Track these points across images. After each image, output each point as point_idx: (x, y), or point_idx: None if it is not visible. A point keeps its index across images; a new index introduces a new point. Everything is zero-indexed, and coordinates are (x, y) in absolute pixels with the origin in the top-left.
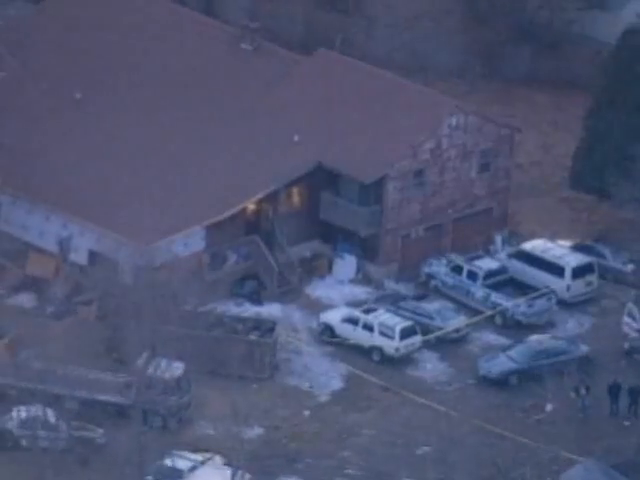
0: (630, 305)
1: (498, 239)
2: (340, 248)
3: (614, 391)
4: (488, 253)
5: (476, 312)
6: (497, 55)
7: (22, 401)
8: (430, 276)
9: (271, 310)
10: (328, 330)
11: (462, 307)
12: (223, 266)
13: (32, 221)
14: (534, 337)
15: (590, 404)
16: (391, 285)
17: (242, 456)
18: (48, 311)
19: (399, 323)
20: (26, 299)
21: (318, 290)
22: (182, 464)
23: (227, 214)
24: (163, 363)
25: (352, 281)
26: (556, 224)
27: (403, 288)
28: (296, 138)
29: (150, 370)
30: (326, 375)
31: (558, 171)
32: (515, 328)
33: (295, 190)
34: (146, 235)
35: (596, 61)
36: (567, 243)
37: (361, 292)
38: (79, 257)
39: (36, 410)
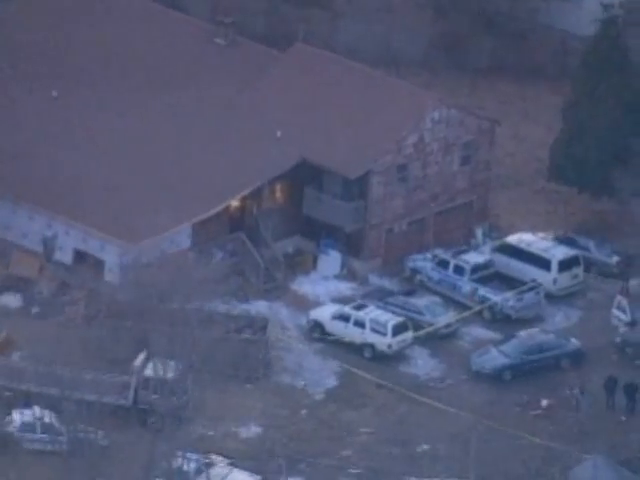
0: (619, 298)
1: (479, 232)
2: (323, 244)
3: (610, 386)
4: (469, 246)
5: (463, 306)
6: (461, 46)
7: (19, 404)
8: (415, 271)
9: (258, 307)
10: (318, 327)
11: (448, 302)
12: (209, 263)
13: (16, 220)
14: (526, 332)
15: (584, 403)
16: (375, 280)
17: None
18: (34, 311)
19: (391, 319)
20: (11, 299)
21: (303, 286)
22: (189, 466)
23: (214, 211)
24: (161, 363)
25: (337, 277)
26: (533, 216)
27: (387, 283)
28: (279, 134)
29: (148, 370)
30: (319, 373)
31: (532, 162)
32: (504, 322)
33: (278, 186)
34: (134, 234)
35: (561, 50)
36: (549, 236)
37: (346, 288)
38: (64, 256)
39: (36, 413)
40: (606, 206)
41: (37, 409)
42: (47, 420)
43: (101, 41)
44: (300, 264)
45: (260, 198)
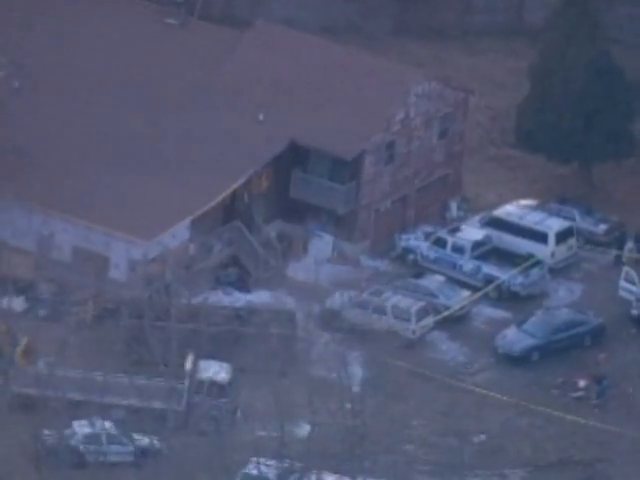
0: (627, 269)
1: (453, 206)
2: (314, 227)
3: None
4: (445, 221)
5: (466, 286)
6: (365, 9)
7: (72, 414)
8: (407, 250)
9: (261, 297)
10: (335, 316)
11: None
12: (210, 255)
13: (9, 218)
14: (548, 310)
15: (602, 391)
16: (368, 262)
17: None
18: (41, 314)
19: (413, 305)
20: (15, 303)
21: (299, 272)
22: (269, 472)
23: (215, 201)
24: (211, 365)
25: (329, 260)
26: (496, 185)
27: (380, 264)
28: (261, 117)
29: (202, 374)
30: (347, 363)
31: (475, 128)
32: (511, 300)
33: (265, 170)
34: (140, 229)
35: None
36: (532, 206)
37: (343, 271)
38: (62, 254)
39: (99, 424)
40: (565, 171)
41: (99, 420)
42: (112, 431)
43: (51, 29)
44: (292, 249)
45: (250, 184)
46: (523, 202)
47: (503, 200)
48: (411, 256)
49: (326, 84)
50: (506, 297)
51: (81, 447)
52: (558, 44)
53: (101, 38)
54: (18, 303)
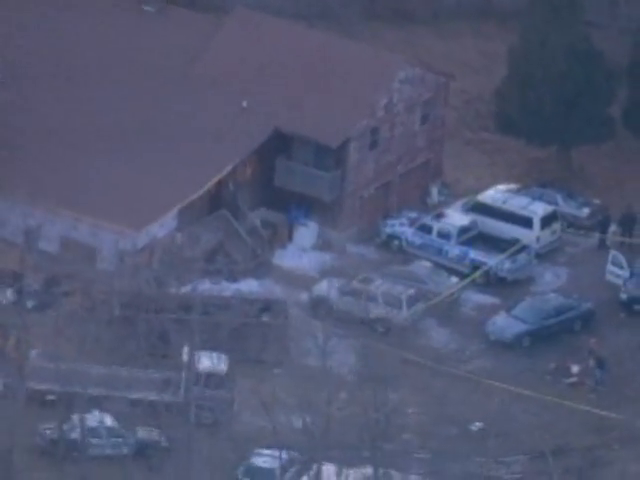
0: (614, 253)
1: (434, 191)
2: (298, 215)
3: None
4: (426, 206)
5: (452, 271)
6: None
7: (69, 407)
8: (392, 237)
9: (249, 286)
10: (324, 304)
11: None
12: (197, 244)
13: None
14: (538, 295)
15: (603, 377)
16: (353, 249)
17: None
18: (30, 305)
19: (404, 291)
20: (3, 295)
21: (285, 260)
22: (272, 463)
23: (202, 190)
24: (208, 356)
25: (314, 248)
26: (475, 169)
27: (366, 251)
28: (244, 104)
29: (200, 365)
30: (337, 352)
31: (448, 112)
32: (499, 286)
33: (250, 158)
34: (130, 219)
35: None
36: (514, 189)
37: (328, 259)
38: (49, 245)
39: (98, 416)
40: (543, 154)
41: (98, 413)
42: (111, 424)
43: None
44: (277, 237)
45: (235, 172)
46: (503, 186)
47: (482, 184)
48: (396, 242)
49: (309, 71)
50: (493, 283)
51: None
52: (539, 28)
53: (79, 27)
54: (6, 295)
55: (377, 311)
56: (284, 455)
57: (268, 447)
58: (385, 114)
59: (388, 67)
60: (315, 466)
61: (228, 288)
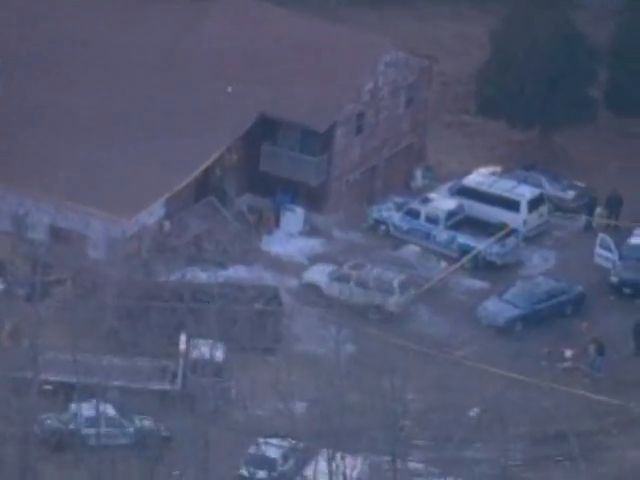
0: (602, 235)
1: (418, 174)
2: (284, 200)
3: (638, 330)
4: (410, 190)
5: (439, 256)
6: None
7: (66, 397)
8: (379, 221)
9: (238, 273)
10: (315, 290)
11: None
12: (185, 231)
13: None
14: (529, 279)
15: (602, 362)
16: (340, 234)
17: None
18: (19, 294)
19: (396, 277)
20: None
21: (272, 246)
22: (274, 452)
23: (191, 178)
24: (205, 344)
25: (301, 234)
26: (456, 152)
27: (354, 236)
28: (230, 89)
29: (196, 353)
30: (331, 339)
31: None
32: (488, 270)
33: (235, 144)
34: (120, 207)
35: None
36: (495, 172)
37: (315, 245)
38: (38, 234)
39: (98, 406)
40: (524, 137)
41: (97, 402)
42: (111, 413)
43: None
44: (263, 223)
45: (222, 158)
46: (486, 169)
47: (464, 167)
48: (383, 227)
49: (294, 56)
50: (482, 267)
51: (82, 431)
52: (522, 9)
53: (64, 14)
54: None
55: (369, 297)
56: (287, 444)
57: (271, 436)
58: (371, 98)
59: (373, 51)
60: (317, 455)
61: (217, 275)
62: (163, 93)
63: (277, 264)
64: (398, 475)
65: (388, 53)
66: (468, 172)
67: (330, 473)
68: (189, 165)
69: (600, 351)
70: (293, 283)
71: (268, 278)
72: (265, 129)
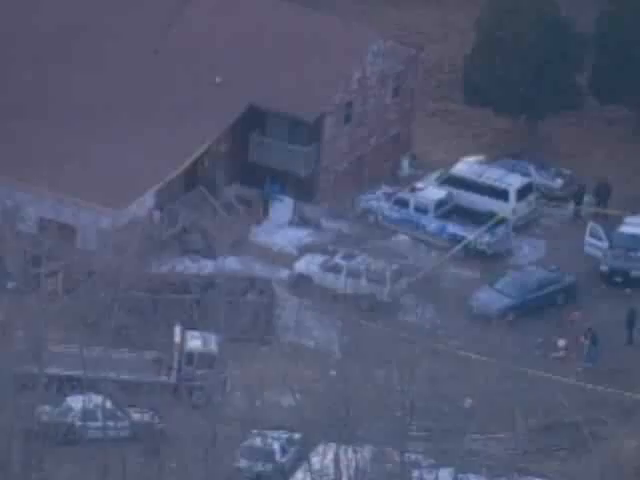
0: (592, 224)
1: (405, 163)
2: (272, 190)
3: (631, 319)
4: (397, 179)
5: (429, 245)
6: None
7: (60, 390)
8: (367, 211)
9: (228, 263)
10: (306, 280)
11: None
12: (175, 222)
13: None
14: (521, 268)
15: (596, 353)
16: (329, 224)
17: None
18: (9, 286)
19: (387, 267)
20: None
21: (261, 236)
22: (271, 444)
23: (182, 168)
24: (199, 336)
25: (290, 224)
26: (442, 141)
27: (343, 226)
28: (218, 79)
29: (191, 345)
30: (322, 329)
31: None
32: (477, 259)
33: (224, 133)
34: (111, 198)
35: None
36: (482, 160)
37: (305, 235)
38: (27, 226)
39: (94, 399)
40: (509, 124)
41: (93, 395)
42: (107, 406)
43: None
44: (252, 213)
45: (211, 149)
46: (471, 158)
47: (450, 156)
48: (372, 217)
49: (283, 45)
50: (472, 256)
51: (79, 424)
52: None
53: (51, 4)
54: None
55: (360, 287)
56: (283, 436)
57: (267, 428)
58: (359, 87)
59: (362, 40)
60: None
61: (207, 266)
62: (151, 84)
63: (266, 254)
64: (396, 466)
65: (376, 42)
66: (454, 161)
67: (336, 462)
68: (179, 155)
69: (593, 340)
70: (283, 274)
71: (258, 268)
72: (254, 119)
